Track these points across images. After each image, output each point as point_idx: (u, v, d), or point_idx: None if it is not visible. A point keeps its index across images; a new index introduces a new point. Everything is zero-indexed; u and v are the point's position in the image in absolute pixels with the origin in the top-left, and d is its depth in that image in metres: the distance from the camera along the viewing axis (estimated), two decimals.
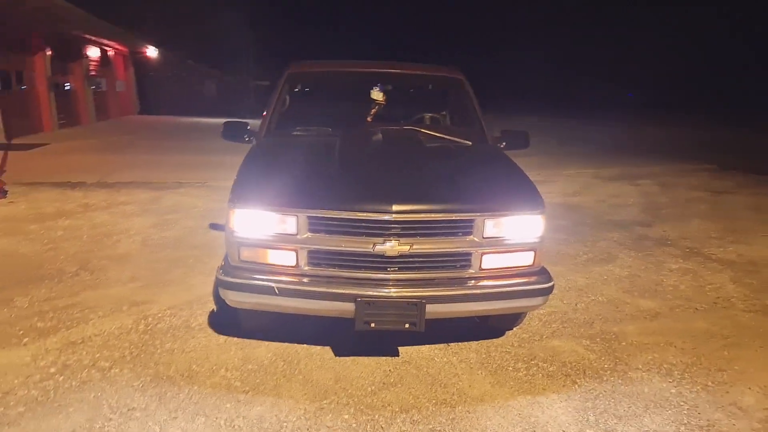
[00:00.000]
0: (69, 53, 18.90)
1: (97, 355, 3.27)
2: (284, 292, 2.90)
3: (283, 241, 2.94)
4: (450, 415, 2.77)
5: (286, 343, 3.43)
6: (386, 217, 2.84)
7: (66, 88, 19.25)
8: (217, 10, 35.08)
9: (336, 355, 3.33)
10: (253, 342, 3.45)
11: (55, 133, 16.45)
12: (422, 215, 2.88)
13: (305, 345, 3.41)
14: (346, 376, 3.11)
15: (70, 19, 16.12)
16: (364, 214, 2.85)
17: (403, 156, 3.46)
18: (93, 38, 20.69)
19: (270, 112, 4.19)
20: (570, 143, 16.36)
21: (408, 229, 2.88)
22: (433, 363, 3.29)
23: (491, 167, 3.56)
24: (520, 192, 3.16)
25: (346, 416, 2.74)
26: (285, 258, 2.96)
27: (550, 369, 3.26)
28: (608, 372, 3.25)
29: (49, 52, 16.86)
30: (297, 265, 2.95)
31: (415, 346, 3.45)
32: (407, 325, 2.89)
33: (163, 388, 2.93)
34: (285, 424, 2.66)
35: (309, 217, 2.89)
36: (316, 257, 2.94)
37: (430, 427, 2.68)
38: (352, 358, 3.30)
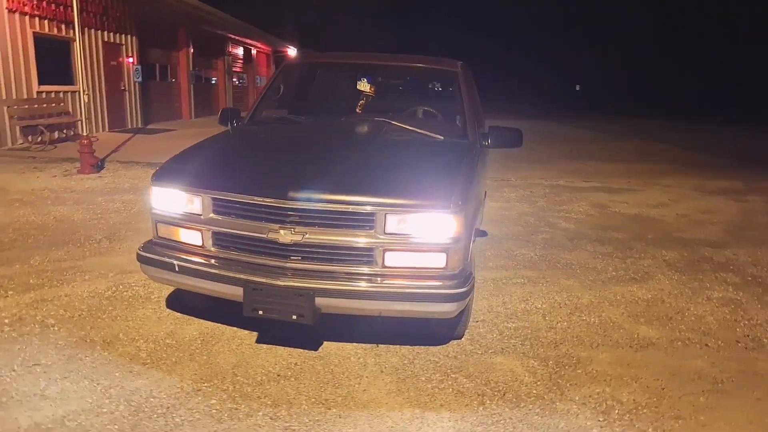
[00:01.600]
0: (212, 50, 20.78)
1: (52, 312, 3.56)
2: (183, 270, 2.94)
3: (189, 220, 2.98)
4: (317, 417, 2.62)
5: (221, 324, 3.47)
6: (280, 204, 2.76)
7: (209, 81, 21.19)
8: (357, 13, 36.34)
9: (257, 342, 3.30)
10: (192, 319, 3.54)
11: (189, 121, 18.18)
12: (318, 204, 2.75)
13: (237, 328, 3.43)
14: (249, 363, 3.07)
15: (214, 21, 17.73)
16: (260, 199, 2.79)
17: (345, 147, 3.35)
18: (236, 37, 22.50)
19: (257, 101, 4.27)
20: (692, 150, 14.60)
21: (304, 218, 2.77)
22: (346, 362, 3.13)
23: (432, 163, 3.30)
24: (431, 188, 2.89)
25: (214, 401, 2.70)
26: (192, 237, 3.00)
27: (467, 386, 2.95)
28: (532, 398, 2.86)
29: (191, 49, 18.64)
30: (203, 246, 2.97)
31: (340, 343, 3.31)
32: (294, 317, 2.78)
33: (78, 350, 3.12)
34: (151, 399, 2.69)
35: (213, 199, 2.90)
36: (219, 239, 2.95)
37: (287, 425, 2.55)
38: (270, 346, 3.26)
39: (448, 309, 2.86)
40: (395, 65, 4.43)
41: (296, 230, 2.77)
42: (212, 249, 2.95)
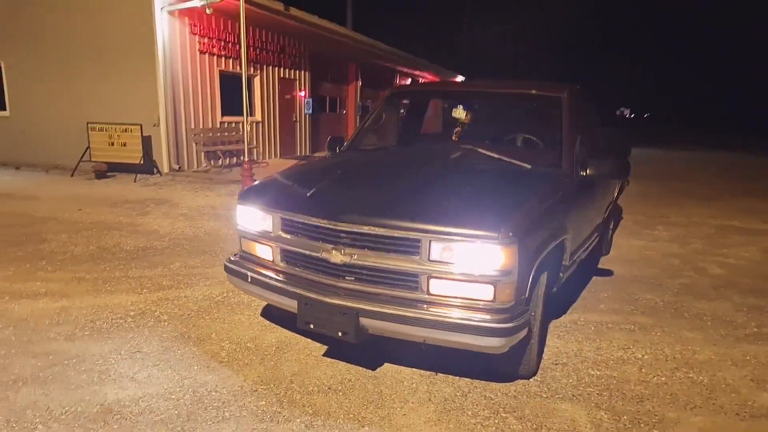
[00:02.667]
0: (380, 82, 22.03)
1: (168, 310, 4.11)
2: (254, 281, 3.22)
3: (263, 237, 3.26)
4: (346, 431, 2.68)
5: (298, 335, 3.70)
6: (332, 225, 2.91)
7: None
8: (529, 42, 35.85)
9: (323, 355, 3.46)
10: (276, 328, 3.83)
11: None
12: (365, 228, 2.84)
13: (310, 340, 3.63)
14: (308, 372, 3.24)
15: (385, 56, 18.90)
16: (317, 220, 2.97)
17: (416, 174, 3.39)
18: (405, 69, 23.61)
19: (358, 129, 4.52)
20: None
21: (354, 240, 2.88)
22: (398, 385, 3.14)
23: (498, 192, 3.18)
24: (481, 217, 2.80)
25: (263, 403, 2.90)
26: (264, 252, 3.28)
27: (514, 427, 2.77)
28: None
29: (360, 82, 19.99)
30: (272, 260, 3.24)
31: (400, 367, 3.33)
32: (340, 334, 2.89)
33: (174, 344, 3.56)
34: (214, 393, 2.98)
35: (282, 218, 3.15)
36: (285, 255, 3.18)
37: None
38: (333, 360, 3.39)
39: (494, 344, 2.74)
40: (494, 92, 4.37)
41: (346, 251, 2.88)
42: (280, 264, 3.19)
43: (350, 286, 2.93)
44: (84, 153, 11.06)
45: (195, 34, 11.76)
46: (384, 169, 3.54)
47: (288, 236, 3.12)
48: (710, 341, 3.93)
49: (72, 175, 10.93)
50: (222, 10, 11.67)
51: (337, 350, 3.50)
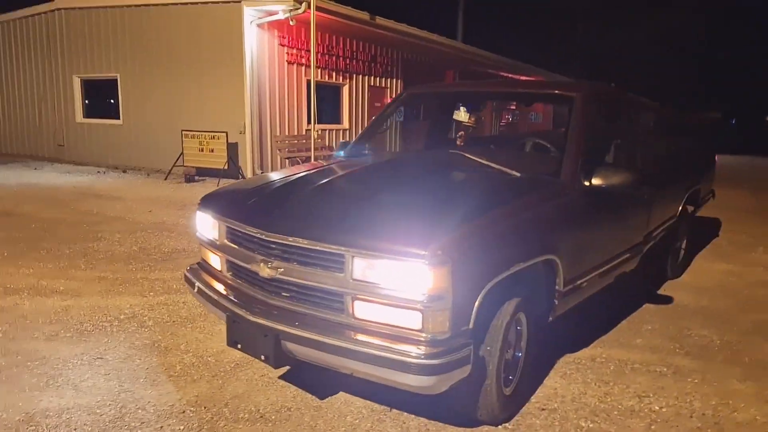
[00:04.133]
0: None
1: (158, 315, 4.05)
2: (199, 291, 3.03)
3: (212, 245, 3.06)
4: None
5: None
6: (262, 235, 2.63)
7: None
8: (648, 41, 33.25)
9: (280, 377, 3.18)
10: None
11: None
12: (291, 239, 2.53)
13: None
14: (250, 396, 2.96)
15: (485, 62, 18.33)
16: (251, 229, 2.71)
17: (377, 184, 3.03)
18: (508, 75, 22.76)
19: (361, 133, 4.20)
20: None
21: (283, 252, 2.59)
22: (339, 419, 2.76)
23: (454, 202, 2.70)
24: (410, 231, 2.36)
25: (181, 428, 2.68)
26: (214, 261, 3.08)
27: None
28: None
29: None
30: (221, 271, 3.02)
31: (354, 398, 2.96)
32: (263, 357, 2.60)
33: (139, 352, 3.47)
34: (140, 411, 2.80)
35: (227, 226, 2.93)
36: (229, 266, 2.95)
37: None
38: (287, 384, 3.09)
39: (422, 383, 2.29)
40: (505, 92, 3.83)
41: (274, 264, 2.59)
42: (226, 275, 2.97)
43: (279, 303, 2.63)
44: (178, 158, 11.74)
45: (283, 45, 12.05)
46: (342, 178, 3.19)
47: (232, 246, 2.89)
48: (763, 397, 3.12)
49: (165, 179, 11.63)
50: (307, 21, 11.87)
51: (296, 372, 3.21)
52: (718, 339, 3.92)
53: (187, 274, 3.20)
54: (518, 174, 3.10)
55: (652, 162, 4.20)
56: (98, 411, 2.80)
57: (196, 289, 3.04)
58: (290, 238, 2.52)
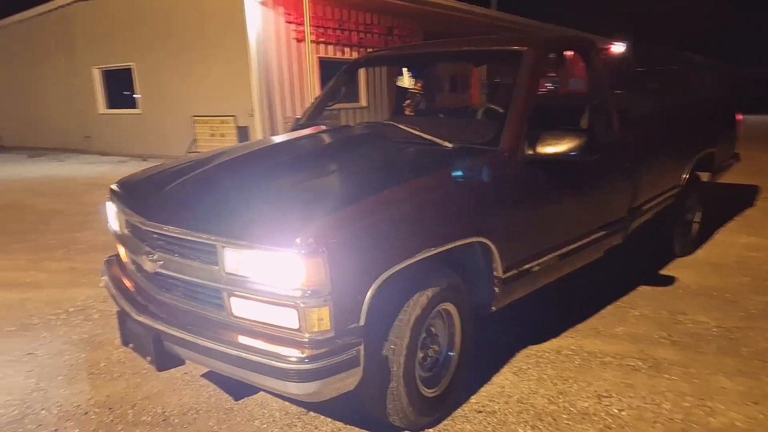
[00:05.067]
0: None
1: (108, 308, 3.89)
2: (106, 286, 2.81)
3: (114, 235, 2.84)
4: None
5: None
6: (144, 224, 2.37)
7: (510, 87, 20.96)
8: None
9: (203, 375, 2.95)
10: None
11: None
12: (165, 228, 2.26)
13: None
14: (162, 396, 2.74)
15: (513, 28, 17.52)
16: (136, 218, 2.45)
17: (272, 165, 2.72)
18: None
19: (310, 107, 3.87)
20: None
21: (164, 244, 2.32)
22: (245, 424, 2.50)
23: (350, 182, 2.37)
24: (280, 218, 2.05)
25: (77, 431, 2.49)
26: (122, 253, 2.85)
27: None
28: None
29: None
30: (125, 263, 2.80)
31: (271, 400, 2.70)
32: (148, 359, 2.35)
33: (72, 347, 3.31)
34: (43, 411, 2.62)
35: (124, 216, 2.69)
36: (128, 257, 2.71)
37: None
38: (208, 383, 2.86)
39: (305, 390, 2.00)
40: (447, 51, 3.39)
41: (155, 257, 2.34)
42: (128, 268, 2.73)
43: (165, 299, 2.38)
44: (191, 144, 11.73)
45: (290, 22, 11.76)
46: (239, 160, 2.87)
47: (127, 236, 2.65)
48: (751, 397, 2.67)
49: None
50: None
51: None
52: (716, 326, 3.44)
53: (103, 267, 2.99)
54: (450, 145, 2.71)
55: (639, 124, 3.70)
56: (1, 412, 2.64)
57: (102, 283, 2.83)
58: (165, 227, 2.26)
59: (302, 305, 1.95)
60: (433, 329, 2.49)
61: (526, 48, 2.98)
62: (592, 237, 3.22)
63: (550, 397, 2.68)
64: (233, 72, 11.50)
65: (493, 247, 2.49)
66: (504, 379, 2.85)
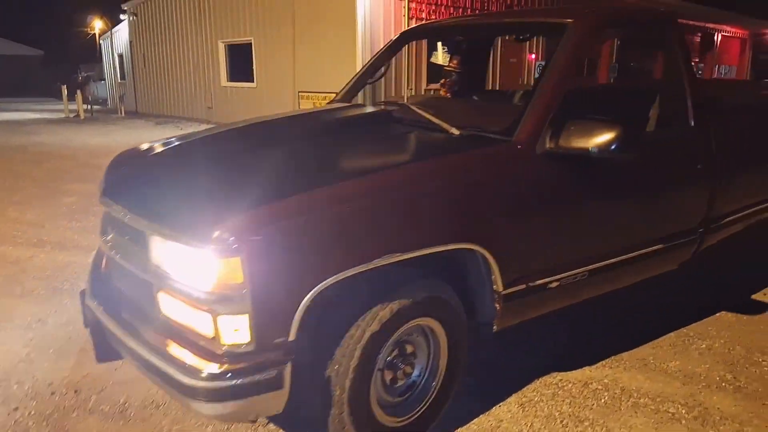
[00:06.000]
0: (650, 40, 18.59)
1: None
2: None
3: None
4: None
5: None
6: (105, 205, 2.22)
7: (647, 72, 19.18)
8: None
9: None
10: None
11: None
12: (113, 207, 2.09)
13: None
14: (104, 383, 2.61)
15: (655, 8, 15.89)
16: (105, 199, 2.28)
17: (270, 142, 2.48)
18: (692, 23, 19.55)
19: (348, 82, 3.55)
20: None
21: (119, 228, 2.16)
22: (200, 428, 2.31)
23: (308, 169, 2.04)
24: (206, 205, 1.77)
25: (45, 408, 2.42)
26: None
27: None
28: None
29: (617, 41, 17.18)
30: None
31: None
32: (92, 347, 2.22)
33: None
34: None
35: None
36: None
37: None
38: None
39: (216, 411, 1.76)
40: (502, 23, 2.87)
41: (109, 237, 2.18)
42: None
43: (115, 287, 2.23)
44: None
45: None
46: (223, 137, 2.62)
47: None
48: None
49: None
50: None
51: None
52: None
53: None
54: (457, 132, 2.28)
55: (732, 118, 2.99)
56: None
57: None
58: (113, 206, 2.10)
59: (217, 311, 1.68)
60: (409, 348, 2.12)
61: (571, 21, 2.44)
62: (642, 251, 2.63)
63: None
64: (339, 49, 11.47)
65: (488, 256, 2.05)
66: (506, 411, 2.41)
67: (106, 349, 2.16)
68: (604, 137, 2.06)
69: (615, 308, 3.32)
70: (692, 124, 2.77)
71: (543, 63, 13.58)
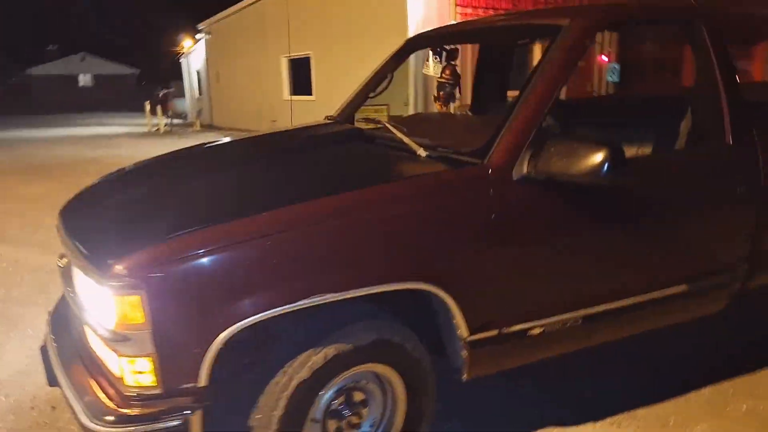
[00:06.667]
0: (750, 35, 17.22)
1: None
2: None
3: None
4: None
5: None
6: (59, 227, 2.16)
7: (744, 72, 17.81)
8: None
9: None
10: None
11: None
12: (61, 234, 2.01)
13: None
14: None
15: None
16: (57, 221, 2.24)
17: (221, 165, 2.35)
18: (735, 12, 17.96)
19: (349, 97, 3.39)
20: None
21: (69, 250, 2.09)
22: None
23: (234, 198, 1.86)
24: (115, 237, 1.65)
25: None
26: None
27: None
28: None
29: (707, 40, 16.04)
30: None
31: None
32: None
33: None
34: None
35: None
36: None
37: None
38: None
39: None
40: (491, 27, 2.59)
41: (63, 259, 2.12)
42: None
43: (64, 310, 2.16)
44: None
45: (459, 4, 11.15)
46: (183, 160, 2.52)
47: None
48: None
49: None
50: None
51: None
52: None
53: None
54: (423, 153, 2.03)
55: None
56: None
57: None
58: (61, 230, 2.02)
59: (118, 350, 1.54)
60: (357, 395, 1.89)
61: (566, 22, 2.14)
62: (658, 293, 2.25)
63: None
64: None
65: (446, 297, 1.80)
66: None
67: (51, 374, 2.08)
68: (587, 160, 1.75)
69: (642, 345, 2.91)
70: (729, 141, 2.36)
71: (616, 65, 12.78)
